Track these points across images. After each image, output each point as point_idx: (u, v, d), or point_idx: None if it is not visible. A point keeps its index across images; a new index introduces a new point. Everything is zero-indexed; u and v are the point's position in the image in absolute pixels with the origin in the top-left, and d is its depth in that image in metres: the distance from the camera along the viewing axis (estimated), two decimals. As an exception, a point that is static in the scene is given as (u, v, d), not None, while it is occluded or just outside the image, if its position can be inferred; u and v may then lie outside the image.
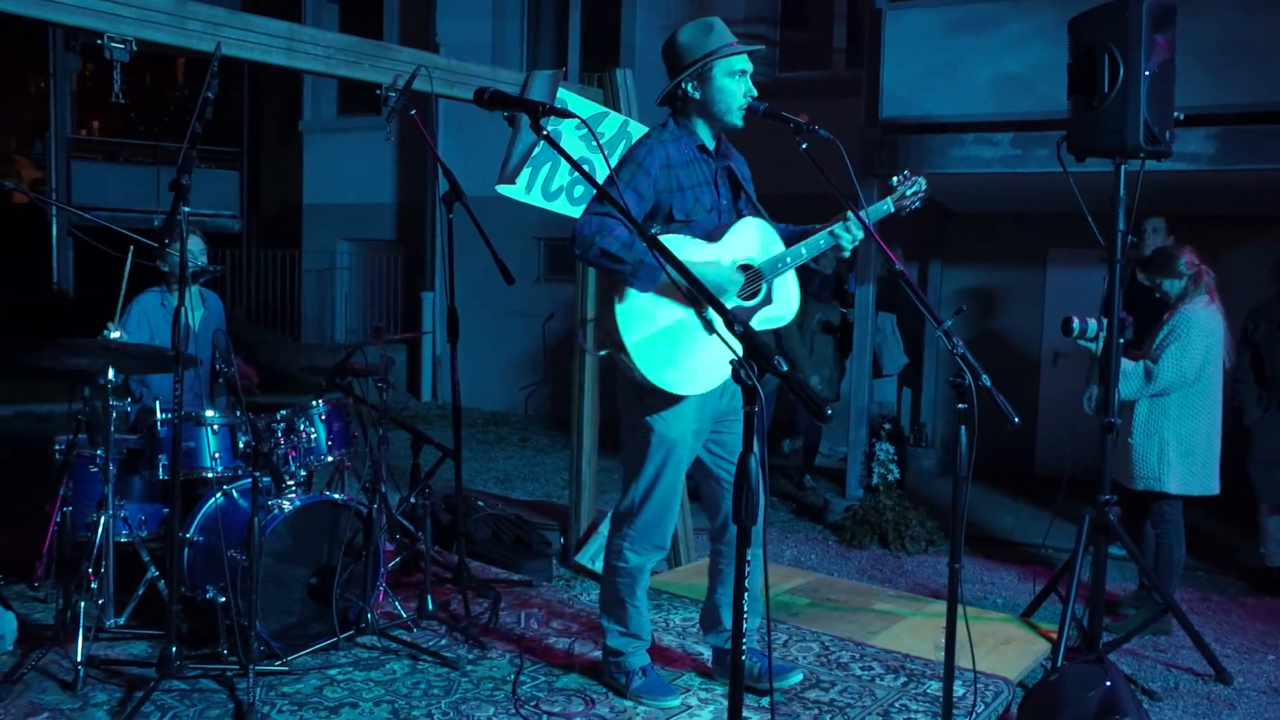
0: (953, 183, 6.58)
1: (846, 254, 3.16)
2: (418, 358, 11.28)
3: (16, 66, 21.24)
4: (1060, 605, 4.04)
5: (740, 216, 3.18)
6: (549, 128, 4.55)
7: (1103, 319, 4.19)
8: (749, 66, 3.15)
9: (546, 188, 4.57)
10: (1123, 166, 3.96)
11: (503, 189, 4.51)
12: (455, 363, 4.04)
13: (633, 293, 2.92)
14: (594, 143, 4.69)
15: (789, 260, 3.11)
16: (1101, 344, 4.14)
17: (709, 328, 2.92)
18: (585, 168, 4.67)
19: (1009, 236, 8.32)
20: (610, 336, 2.98)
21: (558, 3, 11.10)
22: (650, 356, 2.95)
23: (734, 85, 3.08)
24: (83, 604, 3.32)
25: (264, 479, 3.31)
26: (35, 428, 7.94)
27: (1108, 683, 3.13)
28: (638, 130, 4.80)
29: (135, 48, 3.44)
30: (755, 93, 3.15)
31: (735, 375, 1.93)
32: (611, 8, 10.40)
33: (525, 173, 4.51)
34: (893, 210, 3.26)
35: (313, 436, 3.82)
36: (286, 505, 3.55)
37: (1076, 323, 4.24)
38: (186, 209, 3.10)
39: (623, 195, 2.96)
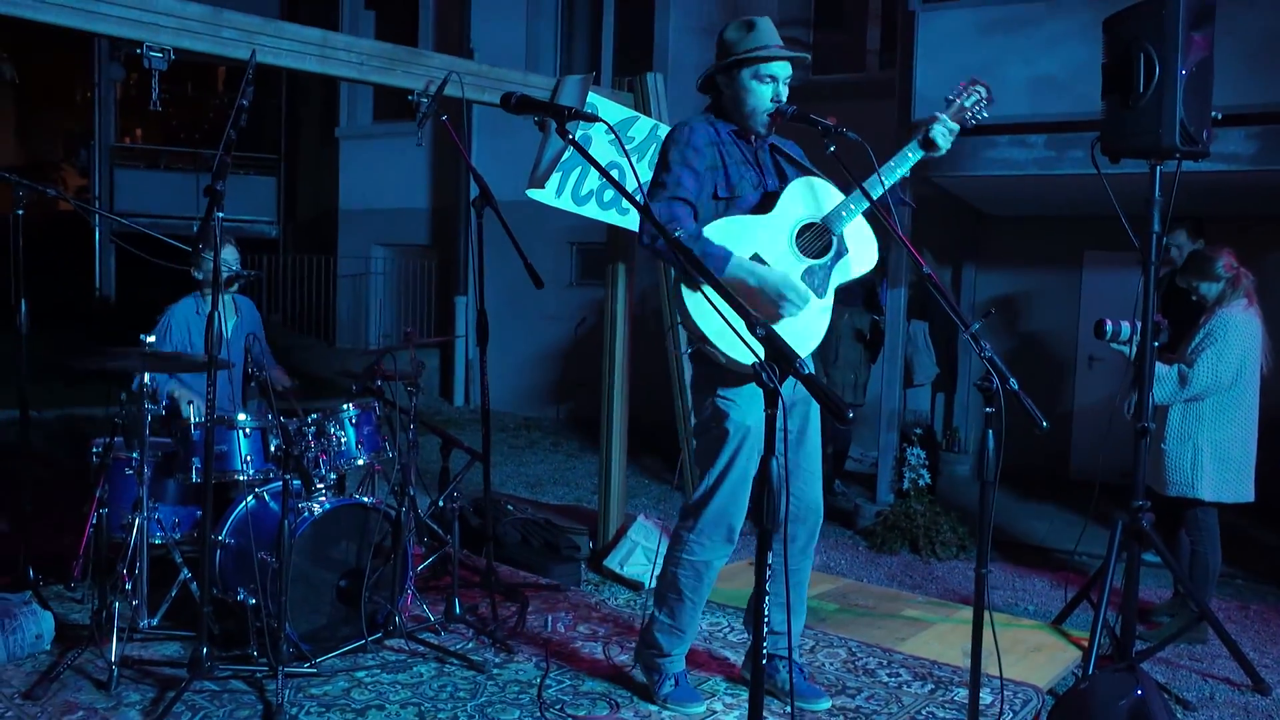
0: (986, 185, 6.53)
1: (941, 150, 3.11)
2: (451, 362, 11.36)
3: (63, 76, 21.72)
4: (1092, 612, 3.98)
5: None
6: (577, 132, 4.60)
7: (1136, 322, 4.13)
8: (781, 73, 3.11)
9: (576, 192, 4.59)
10: (1158, 168, 3.91)
11: (533, 193, 4.53)
12: (484, 366, 4.06)
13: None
14: (624, 149, 4.71)
15: (852, 206, 3.07)
16: (1135, 347, 4.08)
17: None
18: (614, 173, 4.73)
19: (1043, 239, 8.23)
20: (692, 331, 3.01)
21: (591, 7, 11.14)
22: (734, 342, 2.91)
23: (759, 88, 3.08)
24: (117, 605, 3.37)
25: (294, 482, 3.35)
26: (77, 430, 8.08)
27: (1139, 691, 3.08)
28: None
29: (173, 56, 3.50)
30: (784, 98, 3.12)
31: (756, 379, 1.92)
32: (645, 11, 10.42)
33: (555, 177, 4.53)
34: (955, 126, 3.15)
35: (343, 440, 3.86)
36: (316, 508, 3.59)
37: (1110, 325, 4.18)
38: (221, 214, 3.15)
39: (680, 175, 3.00)
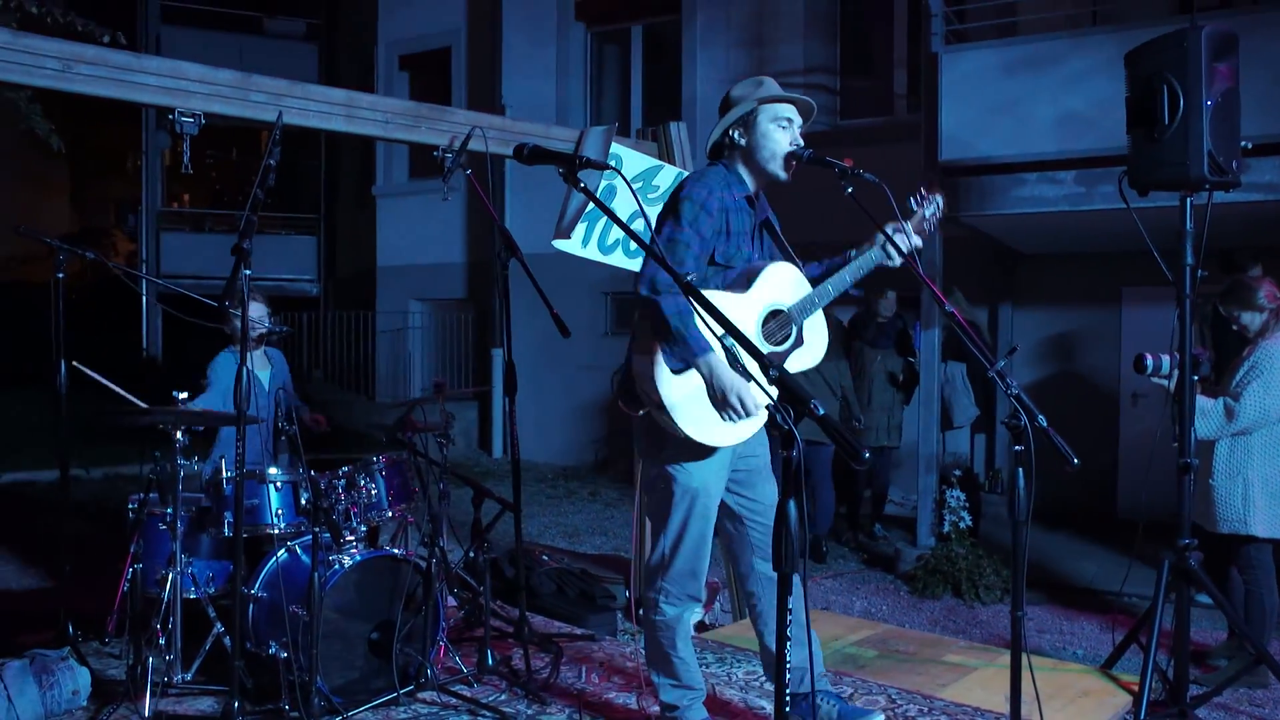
0: (1017, 223, 6.48)
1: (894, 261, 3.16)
2: (489, 414, 11.42)
3: (114, 145, 22.44)
4: (1143, 656, 3.86)
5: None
6: (602, 184, 4.65)
7: (1176, 354, 4.06)
8: (796, 119, 3.13)
9: (603, 241, 4.62)
10: (1189, 199, 3.86)
11: (559, 244, 4.58)
12: (513, 417, 4.06)
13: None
14: (649, 197, 4.75)
15: (816, 301, 3.11)
16: (1175, 381, 4.00)
17: (746, 375, 2.85)
18: (637, 223, 4.76)
19: (1080, 276, 8.14)
20: (649, 396, 2.96)
21: (619, 61, 11.33)
22: (691, 414, 2.92)
23: (778, 133, 3.09)
24: (151, 660, 3.39)
25: (324, 535, 3.36)
26: (121, 489, 8.23)
27: (1191, 738, 2.97)
28: (692, 182, 4.84)
29: (204, 121, 3.60)
30: (801, 144, 3.13)
31: (771, 421, 1.91)
32: (672, 64, 10.57)
33: (581, 227, 4.57)
34: (916, 241, 3.19)
35: (373, 492, 3.87)
36: (347, 560, 3.60)
37: (1149, 360, 4.10)
38: (248, 272, 3.21)
39: (690, 240, 2.97)
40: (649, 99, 10.89)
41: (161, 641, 3.49)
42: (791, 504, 1.91)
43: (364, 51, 13.68)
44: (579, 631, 4.58)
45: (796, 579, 2.00)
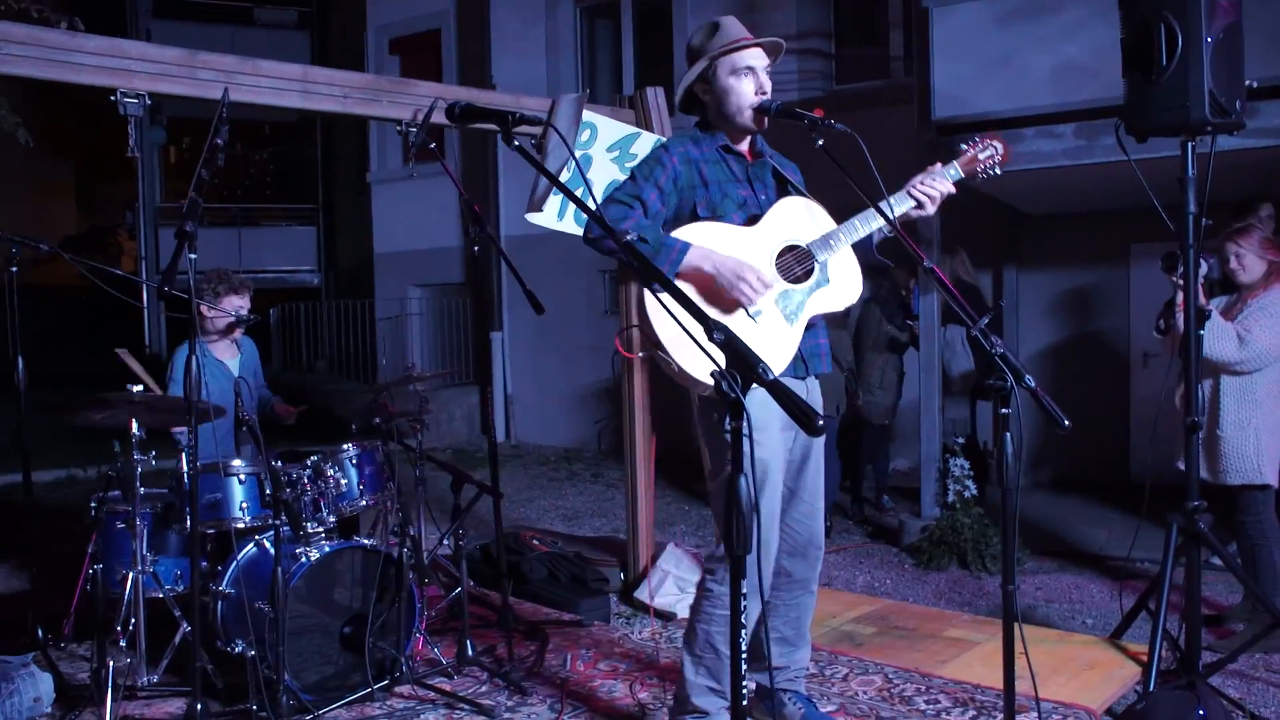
0: (1017, 181, 6.24)
1: (929, 210, 3.02)
2: (490, 398, 11.29)
3: (119, 146, 22.39)
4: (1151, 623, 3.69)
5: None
6: (579, 154, 4.48)
7: (1211, 259, 3.93)
8: (759, 63, 2.94)
9: (579, 214, 4.45)
10: (1190, 144, 3.66)
11: (532, 218, 4.42)
12: (488, 401, 3.93)
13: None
14: (626, 165, 4.57)
15: (842, 236, 2.89)
16: (1198, 292, 3.76)
17: (751, 313, 2.81)
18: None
19: (1087, 235, 7.90)
20: (649, 336, 2.76)
21: (611, 36, 11.11)
22: (688, 350, 2.67)
23: (740, 85, 2.90)
24: (113, 663, 3.27)
25: (285, 527, 3.23)
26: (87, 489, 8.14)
27: (1201, 712, 2.80)
28: (672, 148, 4.66)
29: (150, 102, 3.46)
30: (768, 90, 2.94)
31: (716, 388, 1.74)
32: (663, 35, 10.34)
33: (555, 200, 4.41)
34: (962, 176, 3.04)
35: (342, 482, 3.73)
36: (315, 553, 3.47)
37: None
38: (193, 256, 3.06)
39: (642, 187, 2.85)
40: (642, 72, 10.66)
41: (124, 644, 3.37)
42: (743, 481, 1.74)
43: (355, 38, 13.51)
44: (567, 617, 4.45)
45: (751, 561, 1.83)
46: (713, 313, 2.75)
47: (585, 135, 4.42)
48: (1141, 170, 3.74)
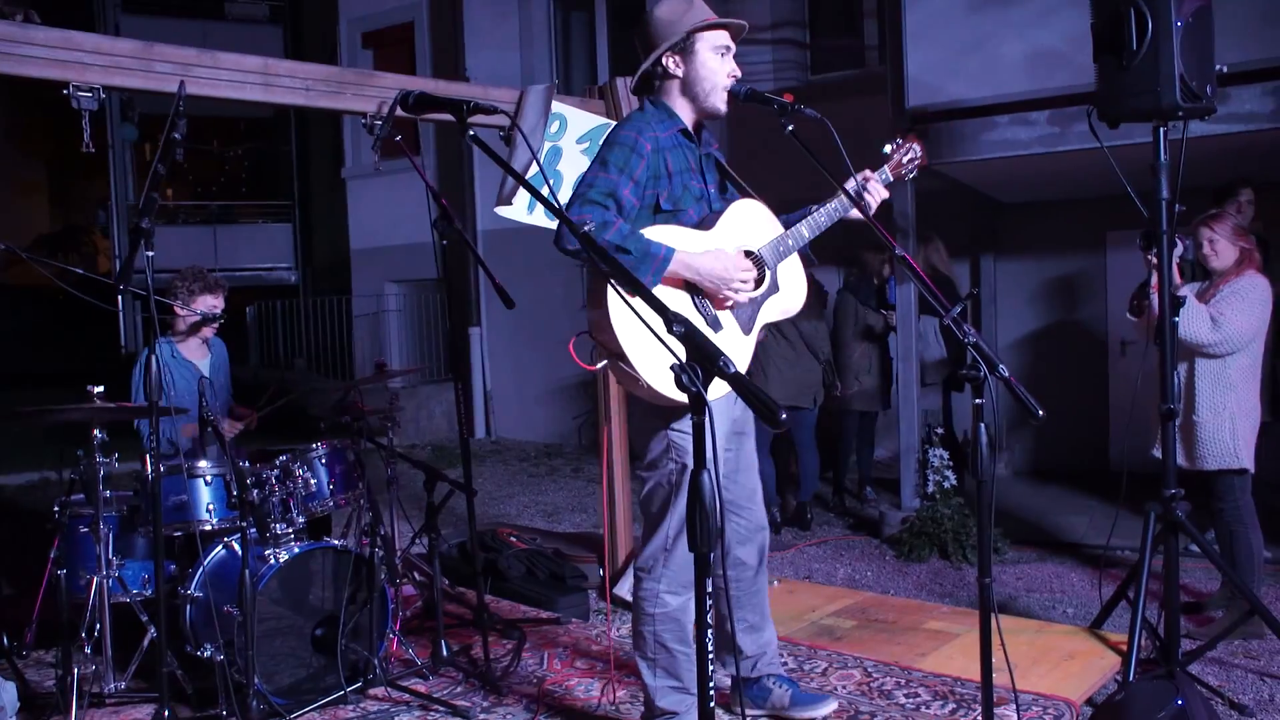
0: (992, 170, 6.24)
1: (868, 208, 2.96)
2: (469, 394, 11.22)
3: (99, 144, 22.12)
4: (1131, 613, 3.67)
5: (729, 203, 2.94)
6: (547, 145, 4.41)
7: (1186, 240, 3.93)
8: (733, 46, 2.91)
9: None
10: (1161, 130, 3.64)
11: (502, 211, 4.36)
12: (459, 397, 3.82)
13: (618, 295, 2.62)
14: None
15: (790, 243, 2.88)
16: (1173, 276, 3.75)
17: (711, 323, 2.79)
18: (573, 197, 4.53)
19: (1063, 223, 7.89)
20: (609, 345, 2.68)
21: (585, 27, 11.03)
22: (653, 361, 2.63)
23: (718, 63, 2.86)
24: (77, 670, 3.20)
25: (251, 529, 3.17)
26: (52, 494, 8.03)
27: (1179, 701, 2.78)
28: (644, 140, 4.60)
29: (103, 95, 3.37)
30: (739, 73, 2.91)
31: (677, 381, 1.70)
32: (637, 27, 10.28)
33: (524, 193, 4.35)
34: (891, 180, 3.05)
35: (312, 482, 3.67)
36: (284, 555, 3.41)
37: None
38: (150, 254, 2.99)
39: (618, 183, 2.74)
40: (616, 64, 10.59)
41: (88, 650, 3.30)
42: (706, 478, 1.70)
43: (329, 31, 13.36)
44: (545, 615, 4.40)
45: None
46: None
47: (555, 127, 4.36)
48: (1116, 157, 3.71)
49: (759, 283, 2.85)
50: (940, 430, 5.80)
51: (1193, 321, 3.98)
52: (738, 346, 2.85)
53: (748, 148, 8.78)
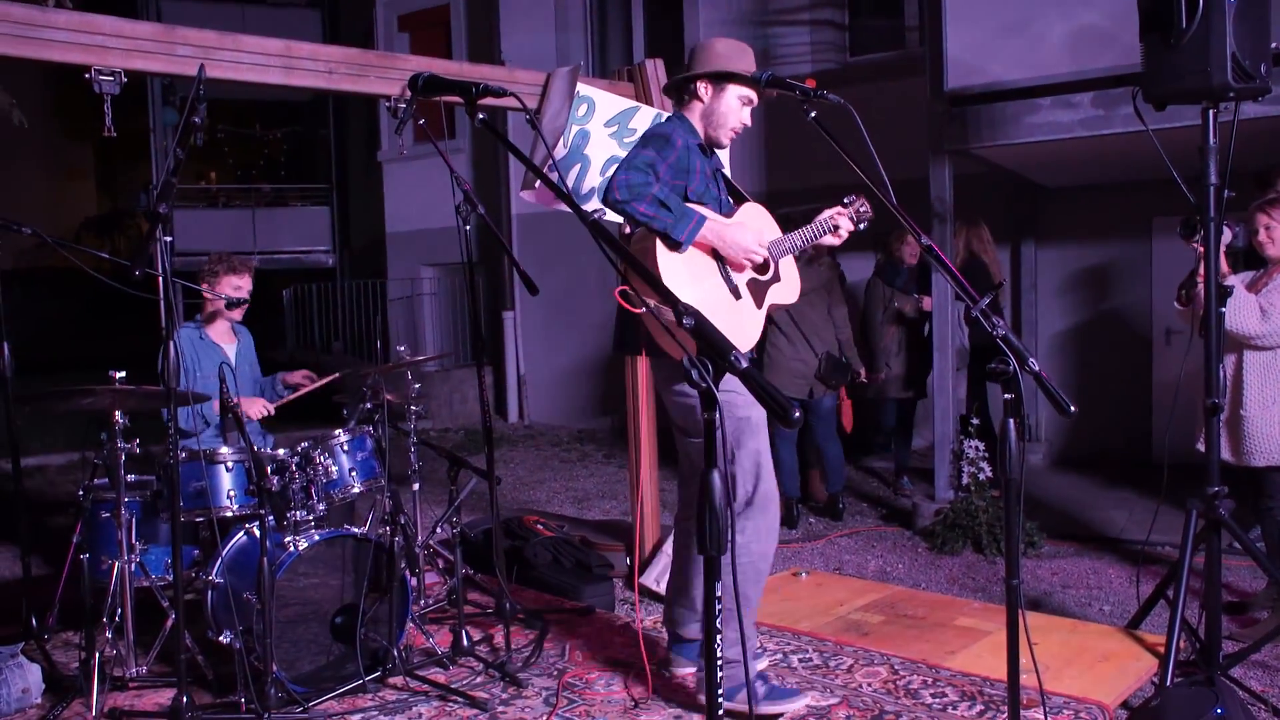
0: (1032, 153, 6.06)
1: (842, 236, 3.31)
2: (503, 378, 11.21)
3: (141, 128, 22.46)
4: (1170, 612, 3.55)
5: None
6: (574, 130, 4.34)
7: (1236, 227, 3.81)
8: (755, 101, 3.25)
9: (576, 190, 4.32)
10: (1212, 112, 3.48)
11: (526, 195, 4.30)
12: (483, 382, 3.78)
13: (669, 256, 3.00)
14: (625, 141, 4.43)
15: (785, 246, 3.23)
16: (1220, 265, 3.60)
17: (735, 293, 3.15)
18: (614, 169, 4.46)
19: (1107, 209, 7.68)
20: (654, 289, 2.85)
21: (621, 9, 10.91)
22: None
23: (737, 110, 3.21)
24: (99, 654, 3.21)
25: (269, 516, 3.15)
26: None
27: (1219, 710, 2.68)
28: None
29: (125, 79, 3.35)
30: (749, 125, 3.28)
31: (687, 376, 1.63)
32: (674, 10, 10.15)
33: (551, 177, 4.28)
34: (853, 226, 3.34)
35: (333, 469, 3.64)
36: (303, 542, 3.39)
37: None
38: (169, 239, 2.97)
39: (658, 158, 3.05)
40: (652, 46, 10.47)
41: (109, 634, 3.31)
42: (715, 476, 1.63)
43: (365, 14, 13.37)
44: (570, 605, 4.36)
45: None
46: (708, 283, 3.09)
47: (583, 110, 4.29)
48: (1165, 139, 3.57)
49: (765, 269, 3.23)
50: (976, 420, 5.65)
51: (1240, 311, 3.83)
52: (752, 318, 3.20)
53: (790, 134, 8.65)
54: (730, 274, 3.13)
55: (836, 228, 3.27)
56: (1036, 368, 2.33)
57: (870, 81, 8.31)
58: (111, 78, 3.28)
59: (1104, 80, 5.27)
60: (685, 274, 3.01)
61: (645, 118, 4.46)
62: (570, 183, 4.31)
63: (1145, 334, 7.64)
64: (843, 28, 9.10)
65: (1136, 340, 7.67)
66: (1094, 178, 7.41)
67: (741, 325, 3.13)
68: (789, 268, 3.34)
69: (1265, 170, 5.17)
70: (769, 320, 5.86)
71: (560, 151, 4.22)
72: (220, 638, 3.37)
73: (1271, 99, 3.75)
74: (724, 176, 3.39)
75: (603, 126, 4.37)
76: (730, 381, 2.73)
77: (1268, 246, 4.00)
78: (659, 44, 10.39)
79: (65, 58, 3.22)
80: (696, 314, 1.65)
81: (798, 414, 1.58)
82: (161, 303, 3.02)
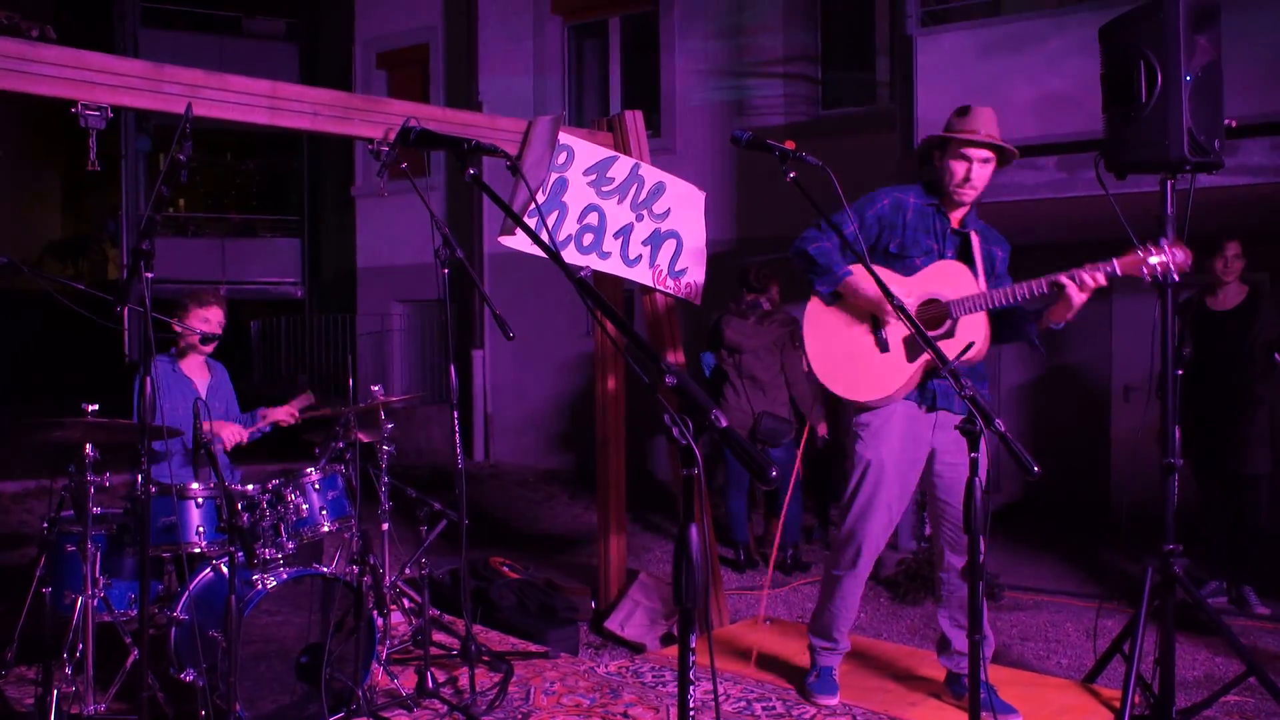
0: (998, 212, 6.21)
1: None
2: (469, 416, 11.19)
3: (107, 153, 22.31)
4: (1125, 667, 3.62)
5: None
6: (553, 177, 4.41)
7: None
8: (977, 155, 3.43)
9: (553, 237, 4.39)
10: (1169, 182, 3.64)
11: (506, 241, 4.35)
12: (456, 424, 3.80)
13: (818, 306, 3.52)
14: (603, 190, 4.51)
15: (976, 303, 3.36)
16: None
17: (881, 346, 3.42)
18: (594, 215, 4.53)
19: (1069, 266, 7.84)
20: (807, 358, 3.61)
21: (599, 54, 11.09)
22: (820, 356, 3.54)
23: (954, 167, 3.42)
24: (57, 690, 3.17)
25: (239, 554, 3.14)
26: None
27: (1171, 765, 2.73)
28: (650, 174, 4.61)
29: (111, 115, 3.38)
30: (973, 180, 3.44)
31: (669, 434, 1.68)
32: (650, 57, 10.33)
33: (530, 222, 4.34)
34: (1118, 274, 3.49)
35: (303, 507, 3.64)
36: (271, 581, 3.37)
37: None
38: (150, 275, 2.98)
39: (843, 221, 3.28)
40: (629, 92, 10.64)
41: (69, 670, 3.27)
42: (694, 531, 1.67)
43: (344, 50, 13.46)
44: (534, 648, 4.36)
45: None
46: (850, 332, 3.48)
47: (563, 158, 4.37)
48: (1124, 203, 3.71)
49: (937, 325, 3.38)
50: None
51: None
52: (896, 368, 3.41)
53: (761, 184, 8.79)
54: (882, 328, 3.42)
55: (1062, 287, 3.39)
56: (1002, 429, 2.40)
57: (841, 135, 8.50)
58: (98, 113, 3.31)
59: (1068, 145, 5.45)
60: (831, 323, 3.50)
61: (623, 167, 4.55)
62: (548, 230, 4.38)
63: (1104, 390, 7.82)
64: (816, 81, 9.31)
65: (1096, 395, 7.84)
66: (1057, 236, 7.60)
67: (871, 374, 3.40)
68: (972, 325, 3.41)
69: (1210, 237, 5.34)
70: (745, 370, 6.01)
71: (540, 198, 4.28)
72: (183, 675, 3.34)
73: (1224, 170, 3.91)
74: (964, 240, 3.54)
75: (581, 175, 4.45)
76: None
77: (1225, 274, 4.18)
78: (635, 89, 10.57)
79: (53, 92, 3.26)
80: (680, 373, 1.71)
81: (774, 473, 1.64)
82: (139, 339, 3.03)
